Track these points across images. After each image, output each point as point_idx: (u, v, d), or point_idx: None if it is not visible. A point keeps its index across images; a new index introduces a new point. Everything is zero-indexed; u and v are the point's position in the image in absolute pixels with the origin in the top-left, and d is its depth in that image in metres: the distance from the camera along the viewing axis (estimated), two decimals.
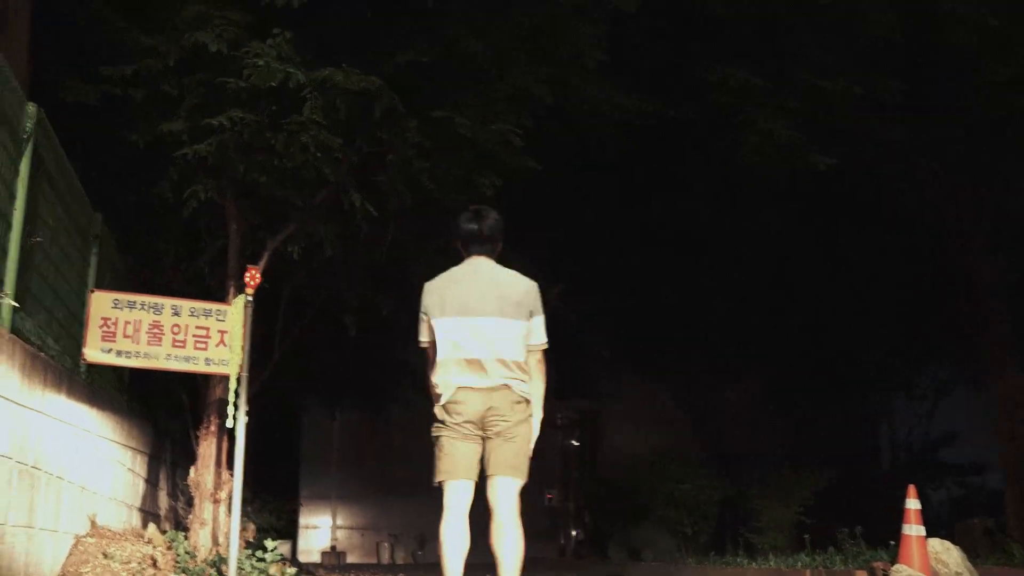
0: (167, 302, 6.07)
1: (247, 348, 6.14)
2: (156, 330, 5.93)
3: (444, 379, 4.26)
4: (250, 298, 6.23)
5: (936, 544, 7.30)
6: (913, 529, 7.20)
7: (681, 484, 13.41)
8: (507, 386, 4.24)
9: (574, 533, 20.83)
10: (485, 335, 4.25)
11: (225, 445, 7.12)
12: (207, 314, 6.10)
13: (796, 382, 16.80)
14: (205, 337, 6.04)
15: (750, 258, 13.89)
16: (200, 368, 6.10)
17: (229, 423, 6.07)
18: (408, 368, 15.38)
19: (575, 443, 21.37)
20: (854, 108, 9.30)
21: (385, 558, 23.69)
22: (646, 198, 13.03)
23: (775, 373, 16.39)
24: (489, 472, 4.29)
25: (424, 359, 4.52)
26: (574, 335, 15.21)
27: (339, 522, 25.25)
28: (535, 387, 4.41)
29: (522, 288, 4.39)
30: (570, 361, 16.40)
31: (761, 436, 16.96)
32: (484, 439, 4.28)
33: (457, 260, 4.55)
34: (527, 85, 7.30)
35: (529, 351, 4.37)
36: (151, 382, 8.41)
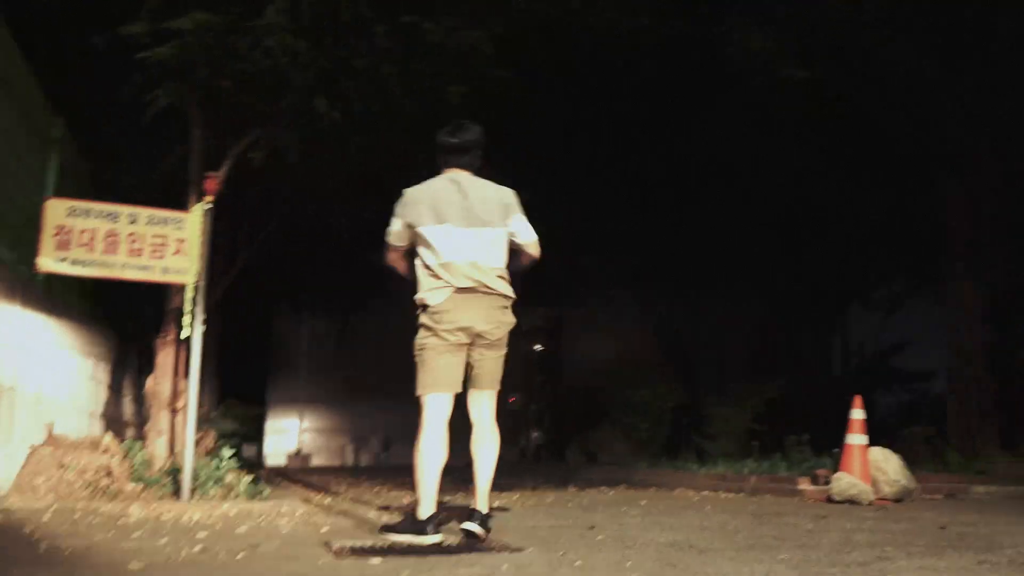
0: (124, 210, 6.01)
1: (205, 257, 6.14)
2: (112, 238, 5.89)
3: (434, 285, 4.31)
4: (209, 206, 6.21)
5: (877, 452, 7.57)
6: (856, 439, 7.50)
7: (637, 390, 13.76)
8: (497, 292, 4.32)
9: (534, 435, 21.33)
10: (471, 243, 4.33)
11: (184, 354, 7.16)
12: (165, 222, 6.06)
13: (756, 292, 17.07)
14: (162, 245, 6.02)
15: (718, 169, 13.91)
16: (157, 277, 6.07)
17: (185, 332, 6.09)
18: (375, 276, 15.42)
19: (539, 348, 21.68)
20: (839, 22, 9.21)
21: (350, 460, 24.20)
22: (629, 112, 12.94)
23: (736, 283, 16.62)
24: (474, 386, 4.44)
25: (392, 263, 4.61)
26: (543, 242, 15.26)
27: (305, 425, 25.63)
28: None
29: (500, 195, 4.48)
30: (536, 268, 16.44)
31: (719, 345, 17.31)
32: (470, 349, 4.36)
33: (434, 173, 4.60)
34: None
35: (524, 248, 4.50)
36: (115, 291, 8.39)
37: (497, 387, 4.49)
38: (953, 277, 11.43)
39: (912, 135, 11.39)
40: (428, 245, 4.35)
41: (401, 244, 4.50)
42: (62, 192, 6.63)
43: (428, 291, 4.32)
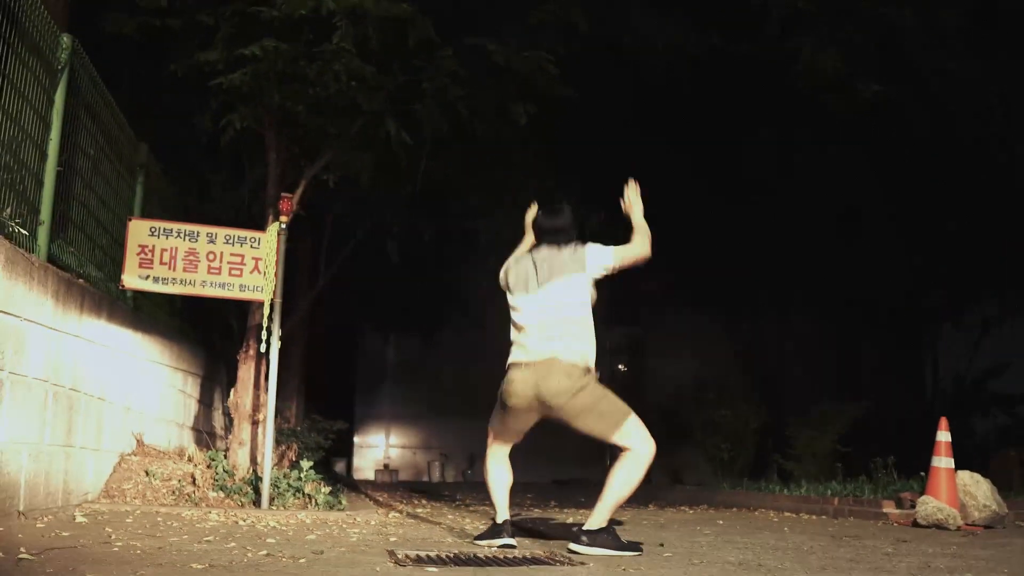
0: (202, 230, 6.25)
1: (280, 274, 6.32)
2: (192, 257, 6.13)
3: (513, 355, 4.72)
4: (284, 226, 6.40)
5: (966, 476, 7.31)
6: (943, 461, 7.24)
7: (720, 411, 13.54)
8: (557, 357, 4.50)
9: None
10: (541, 303, 4.64)
11: (265, 368, 7.36)
12: (242, 241, 6.27)
13: (843, 314, 16.66)
14: (240, 264, 6.23)
15: (802, 192, 13.69)
16: (235, 294, 6.30)
17: (262, 348, 6.29)
18: (459, 295, 15.63)
19: (622, 367, 21.53)
20: (913, 38, 8.99)
21: (436, 476, 24.39)
22: (700, 131, 12.86)
23: (822, 305, 16.26)
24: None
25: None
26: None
27: (392, 441, 25.95)
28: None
29: (578, 250, 4.71)
30: (616, 287, 16.42)
31: (805, 367, 16.91)
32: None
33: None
34: (563, 12, 7.25)
35: (617, 262, 4.68)
36: (203, 308, 8.71)
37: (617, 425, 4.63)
38: None
39: (997, 150, 11.02)
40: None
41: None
42: (147, 215, 6.92)
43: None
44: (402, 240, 9.91)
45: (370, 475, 24.06)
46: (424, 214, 9.53)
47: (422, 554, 4.11)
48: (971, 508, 7.15)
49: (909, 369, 17.82)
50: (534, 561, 3.99)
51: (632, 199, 4.94)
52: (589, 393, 4.52)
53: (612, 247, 4.71)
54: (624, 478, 4.57)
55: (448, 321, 18.22)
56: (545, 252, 4.74)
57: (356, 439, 24.78)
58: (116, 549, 3.74)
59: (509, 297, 4.78)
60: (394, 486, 17.16)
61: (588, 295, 4.65)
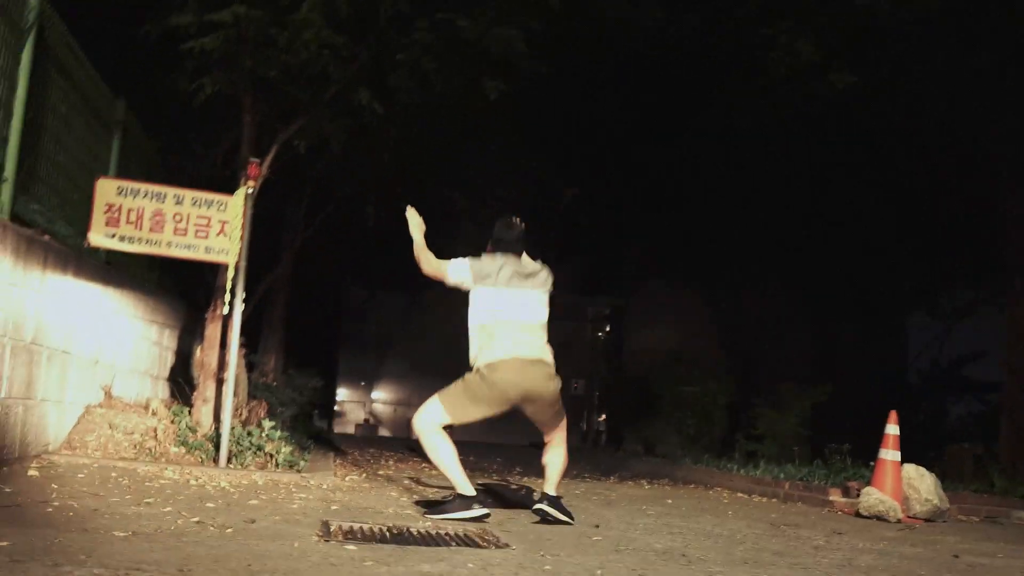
0: (170, 191, 6.33)
1: (246, 238, 6.42)
2: (158, 217, 6.22)
3: (489, 343, 5.09)
4: (251, 190, 6.48)
5: (911, 470, 7.45)
6: (889, 454, 7.38)
7: (688, 386, 13.70)
8: (542, 359, 5.09)
9: (597, 421, 21.43)
10: (523, 301, 5.16)
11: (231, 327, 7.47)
12: (208, 204, 6.36)
13: (820, 296, 16.80)
14: (206, 226, 6.32)
15: (785, 173, 13.75)
16: (200, 256, 6.41)
17: (225, 309, 6.40)
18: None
19: (601, 336, 21.74)
20: (889, 28, 9.00)
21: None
22: (680, 110, 12.88)
23: (800, 286, 16.39)
24: (542, 430, 5.36)
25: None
26: (604, 232, 15.32)
27: (373, 397, 26.23)
28: None
29: (544, 272, 5.29)
30: (600, 257, 16.57)
31: (781, 345, 17.08)
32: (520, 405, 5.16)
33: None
34: None
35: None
36: (184, 263, 8.80)
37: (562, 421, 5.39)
38: (1010, 295, 11.09)
39: (974, 145, 11.06)
40: (484, 303, 5.25)
41: (456, 283, 5.36)
42: (125, 173, 6.99)
43: (482, 346, 5.22)
44: (380, 205, 9.99)
45: (351, 430, 24.38)
46: (400, 181, 9.59)
47: (355, 526, 4.25)
48: (913, 501, 7.32)
49: (883, 353, 18.02)
50: (463, 542, 4.13)
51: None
52: (555, 395, 5.20)
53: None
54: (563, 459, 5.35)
55: (430, 283, 18.31)
56: (512, 259, 5.24)
57: (339, 394, 25.06)
58: (51, 510, 3.87)
59: (481, 290, 5.17)
60: (372, 442, 17.39)
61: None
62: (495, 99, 7.10)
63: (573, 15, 7.67)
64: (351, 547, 3.63)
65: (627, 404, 17.29)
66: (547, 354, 5.14)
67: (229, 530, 3.78)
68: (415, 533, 4.25)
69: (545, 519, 5.10)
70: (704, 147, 13.75)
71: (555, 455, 5.33)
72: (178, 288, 9.21)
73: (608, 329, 21.64)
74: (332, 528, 4.14)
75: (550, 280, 5.34)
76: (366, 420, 25.59)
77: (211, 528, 3.80)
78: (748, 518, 6.48)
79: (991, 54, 9.49)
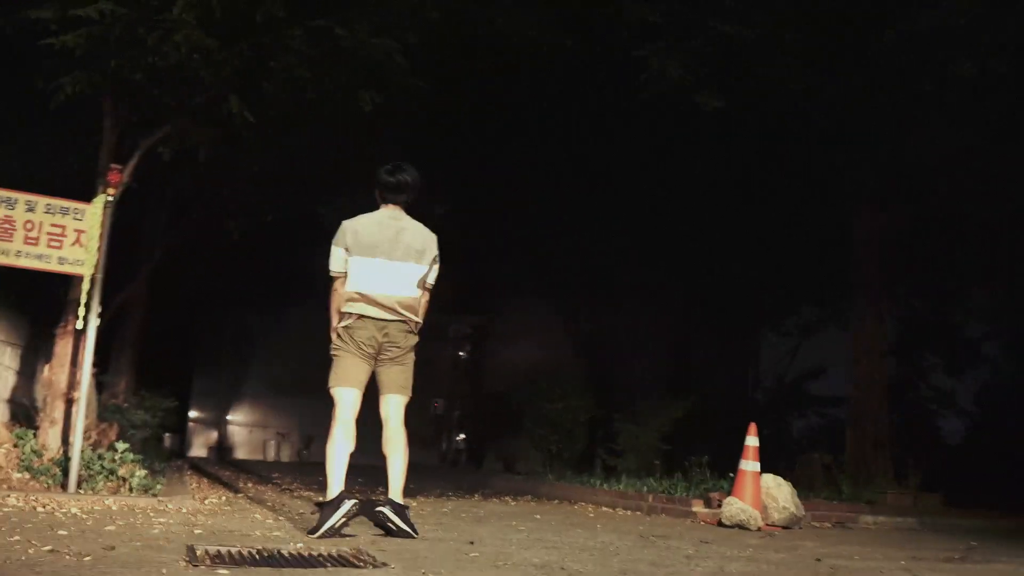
0: (21, 197, 5.93)
1: (104, 249, 6.06)
2: (7, 225, 5.82)
3: (351, 307, 5.06)
4: (111, 199, 6.14)
5: (769, 480, 7.75)
6: (749, 465, 7.66)
7: (550, 403, 13.83)
8: (402, 319, 5.12)
9: (456, 439, 21.38)
10: (390, 274, 5.09)
11: (83, 345, 7.03)
12: (64, 212, 6.00)
13: (677, 314, 17.35)
14: (60, 236, 5.95)
15: (636, 185, 14.16)
16: (52, 267, 6.01)
17: (79, 324, 6.01)
18: (302, 275, 15.34)
19: (463, 355, 21.74)
20: (756, 54, 9.42)
21: (271, 455, 23.96)
22: (551, 126, 13.09)
23: (654, 301, 16.86)
24: (382, 392, 5.21)
25: (330, 285, 5.23)
26: (468, 251, 15.35)
27: (228, 418, 25.31)
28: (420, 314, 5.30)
29: (426, 238, 5.27)
30: (463, 276, 16.58)
31: (637, 362, 17.52)
32: (376, 361, 5.14)
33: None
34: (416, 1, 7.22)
35: (425, 289, 5.28)
36: (28, 275, 8.22)
37: (404, 393, 5.26)
38: (857, 310, 11.77)
39: (827, 169, 11.72)
40: (353, 269, 5.09)
41: (340, 270, 5.14)
42: None
43: (346, 310, 5.10)
44: (243, 219, 9.64)
45: (204, 452, 23.44)
46: (267, 195, 9.29)
47: (223, 550, 4.05)
48: (772, 509, 7.61)
49: (734, 369, 18.78)
50: (338, 561, 4.00)
51: None
52: (412, 354, 5.28)
53: (435, 275, 5.32)
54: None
55: (289, 300, 17.91)
56: (394, 221, 5.22)
57: (192, 414, 24.04)
58: None
59: (356, 258, 5.09)
60: (227, 464, 16.75)
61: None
62: (370, 111, 6.97)
63: (453, 29, 7.65)
64: (223, 572, 3.45)
65: (488, 422, 17.34)
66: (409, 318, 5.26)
67: (88, 558, 3.52)
68: (287, 555, 4.09)
69: (384, 524, 5.05)
70: (571, 164, 13.97)
71: (402, 452, 5.25)
72: (19, 302, 8.61)
73: (470, 348, 21.66)
74: (199, 553, 3.94)
75: (432, 268, 5.33)
76: (220, 443, 24.65)
77: (67, 556, 3.53)
78: (617, 531, 6.57)
79: (842, 86, 10.04)
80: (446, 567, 4.02)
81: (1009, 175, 10.81)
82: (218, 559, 3.77)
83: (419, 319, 5.25)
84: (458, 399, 21.31)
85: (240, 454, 24.34)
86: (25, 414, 8.46)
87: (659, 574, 4.29)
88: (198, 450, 23.73)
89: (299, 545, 4.46)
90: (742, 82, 9.76)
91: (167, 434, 17.08)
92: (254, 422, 25.52)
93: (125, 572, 3.27)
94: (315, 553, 4.21)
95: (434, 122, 9.25)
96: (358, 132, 8.14)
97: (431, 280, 5.32)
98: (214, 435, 25.24)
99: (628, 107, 11.52)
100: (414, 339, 5.24)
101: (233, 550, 4.10)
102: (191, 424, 24.33)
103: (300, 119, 7.44)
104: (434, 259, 5.29)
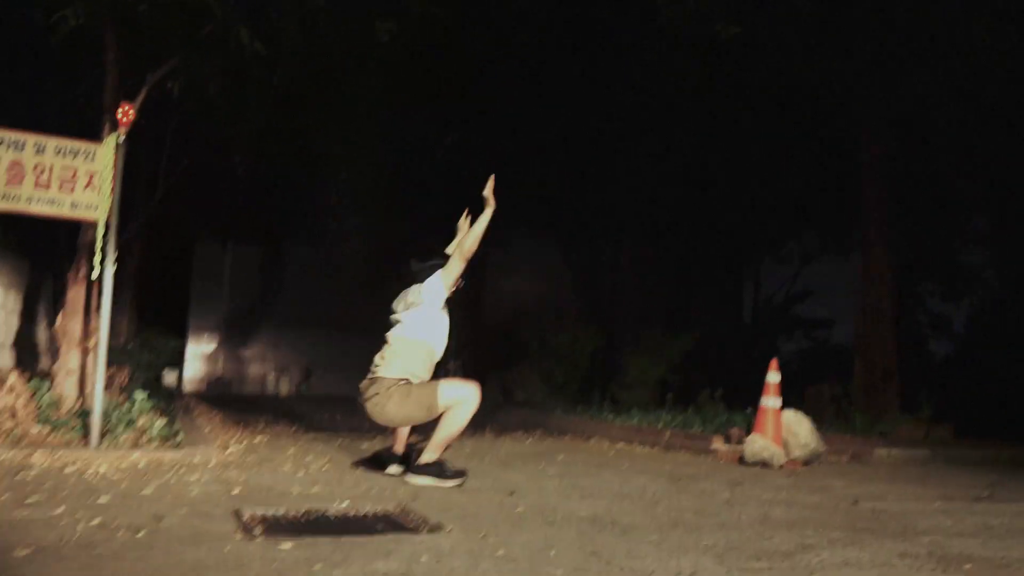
0: (30, 139, 5.60)
1: (117, 191, 5.78)
2: (16, 169, 5.51)
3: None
4: (123, 137, 5.84)
5: (789, 415, 7.67)
6: (771, 401, 7.58)
7: (557, 335, 13.74)
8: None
9: (451, 366, 21.30)
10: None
11: (97, 291, 6.81)
12: (75, 153, 5.68)
13: (675, 242, 17.22)
14: (72, 179, 5.65)
15: (643, 124, 13.88)
16: (65, 212, 5.71)
17: (95, 273, 5.77)
18: (300, 205, 15.07)
19: (462, 285, 21.56)
20: None
21: (271, 389, 23.87)
22: (558, 60, 12.72)
23: (657, 235, 16.71)
24: None
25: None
26: (473, 181, 15.07)
27: (226, 353, 25.09)
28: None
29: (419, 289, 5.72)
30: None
31: (639, 294, 17.42)
32: None
33: None
34: None
35: (447, 287, 5.83)
36: (30, 218, 7.93)
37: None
38: (865, 242, 11.65)
39: (834, 100, 11.48)
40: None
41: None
42: None
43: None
44: (249, 155, 9.31)
45: (203, 387, 23.32)
46: (276, 131, 8.96)
47: (267, 514, 3.96)
48: (793, 446, 7.57)
49: (734, 297, 18.76)
50: (390, 524, 3.90)
51: (489, 198, 5.70)
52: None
53: (440, 274, 5.71)
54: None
55: (291, 233, 17.62)
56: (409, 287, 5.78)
57: (189, 350, 23.80)
58: None
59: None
60: (228, 402, 16.63)
61: (422, 321, 5.68)
62: (386, 42, 6.64)
63: None
64: (286, 546, 3.33)
65: (487, 353, 17.23)
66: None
67: (140, 534, 3.38)
68: (333, 518, 4.00)
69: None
70: (577, 96, 13.65)
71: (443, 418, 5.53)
72: (20, 244, 8.35)
73: (469, 279, 21.46)
74: (245, 517, 3.83)
75: (425, 290, 5.79)
76: (219, 377, 24.50)
77: (120, 532, 3.38)
78: (646, 472, 6.52)
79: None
80: (500, 528, 3.93)
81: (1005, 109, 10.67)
82: (271, 528, 3.66)
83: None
84: (457, 328, 21.18)
85: (238, 388, 24.25)
86: (30, 360, 8.28)
87: (708, 524, 4.27)
88: (198, 385, 23.57)
89: (343, 505, 4.35)
90: (754, 12, 9.46)
91: (166, 368, 16.97)
92: (253, 356, 25.32)
93: (186, 551, 3.13)
94: (361, 513, 4.12)
95: (448, 54, 8.87)
96: (371, 65, 7.79)
97: (441, 288, 5.79)
98: (213, 369, 25.08)
99: (640, 39, 11.20)
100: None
101: (279, 512, 4.00)
102: (189, 359, 24.12)
103: (314, 52, 7.08)
104: (427, 289, 5.74)
